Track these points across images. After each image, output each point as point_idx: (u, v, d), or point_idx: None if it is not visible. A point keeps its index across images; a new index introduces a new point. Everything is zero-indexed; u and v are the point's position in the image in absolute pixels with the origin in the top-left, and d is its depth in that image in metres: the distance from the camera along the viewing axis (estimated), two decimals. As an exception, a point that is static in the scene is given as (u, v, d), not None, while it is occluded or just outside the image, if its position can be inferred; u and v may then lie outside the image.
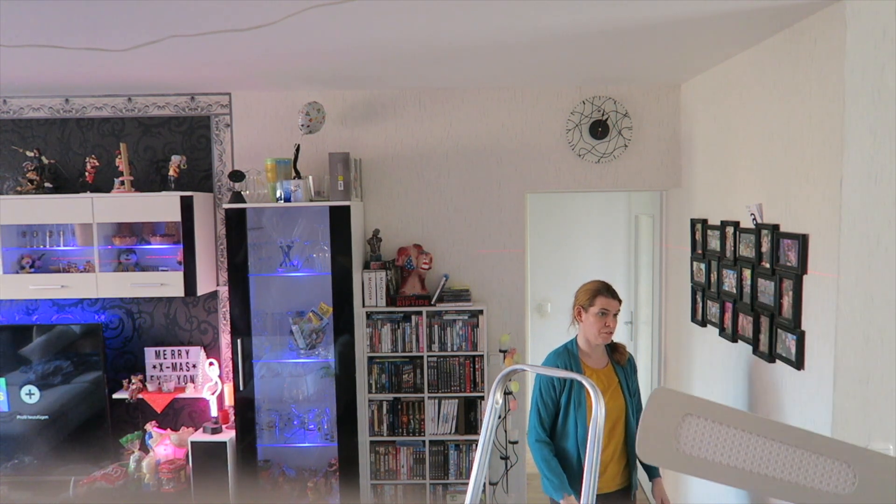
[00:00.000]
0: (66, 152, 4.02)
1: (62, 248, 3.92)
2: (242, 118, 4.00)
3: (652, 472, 2.93)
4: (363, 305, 3.84)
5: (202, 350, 4.05)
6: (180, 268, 3.77)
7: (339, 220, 3.63)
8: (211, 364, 3.97)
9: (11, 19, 2.41)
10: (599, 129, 3.91)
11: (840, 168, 2.22)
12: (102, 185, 3.89)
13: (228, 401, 3.96)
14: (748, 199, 2.97)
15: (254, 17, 2.43)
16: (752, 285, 2.88)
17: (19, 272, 3.85)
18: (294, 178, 3.70)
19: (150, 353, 4.03)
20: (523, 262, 4.10)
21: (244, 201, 3.71)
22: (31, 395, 3.90)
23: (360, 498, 3.81)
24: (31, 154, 3.85)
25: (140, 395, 3.93)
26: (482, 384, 3.85)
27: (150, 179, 4.00)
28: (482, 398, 3.86)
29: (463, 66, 3.34)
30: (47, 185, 3.86)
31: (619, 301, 2.81)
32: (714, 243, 3.36)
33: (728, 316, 3.17)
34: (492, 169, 4.01)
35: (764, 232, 2.77)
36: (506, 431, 3.91)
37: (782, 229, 2.65)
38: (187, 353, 4.03)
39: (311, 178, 3.74)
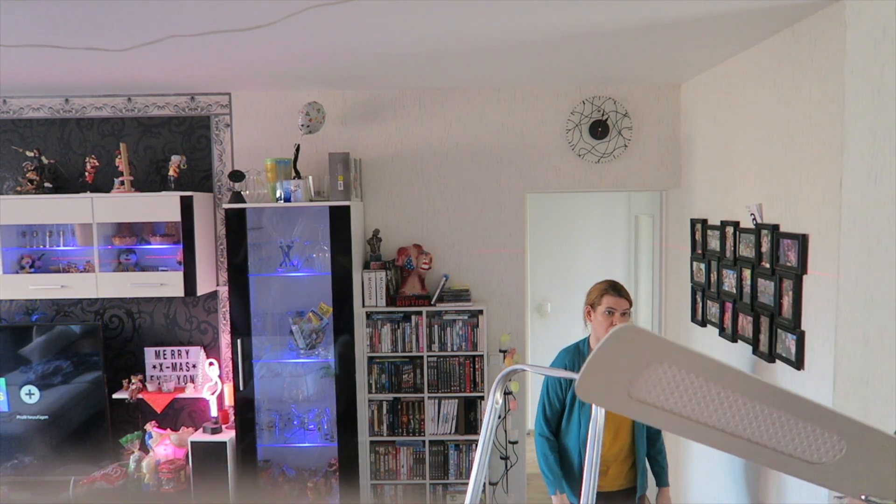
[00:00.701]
0: (66, 152, 4.02)
1: (62, 248, 3.92)
2: (242, 118, 4.00)
3: (660, 481, 2.92)
4: (363, 305, 3.84)
5: (202, 350, 4.05)
6: (180, 268, 3.77)
7: (339, 220, 3.63)
8: (211, 364, 3.97)
9: (11, 19, 2.41)
10: (599, 129, 3.91)
11: (840, 168, 2.22)
12: (102, 185, 3.89)
13: (228, 401, 3.96)
14: (748, 199, 2.97)
15: (254, 17, 2.43)
16: (752, 285, 2.88)
17: (19, 272, 3.85)
18: (294, 178, 3.70)
19: (150, 353, 4.03)
20: (523, 262, 4.10)
21: (244, 201, 3.71)
22: (30, 395, 3.90)
23: (360, 498, 3.81)
24: (31, 154, 3.85)
25: (140, 395, 3.93)
26: (482, 384, 3.85)
27: (150, 179, 4.00)
28: (482, 398, 3.86)
29: (463, 66, 3.34)
30: (47, 185, 3.85)
31: (628, 300, 2.79)
32: (714, 243, 3.36)
33: (728, 316, 3.17)
34: (492, 169, 4.01)
35: (764, 232, 2.77)
36: (506, 431, 3.91)
37: (782, 229, 2.65)
38: (187, 353, 4.03)
39: (311, 178, 3.74)
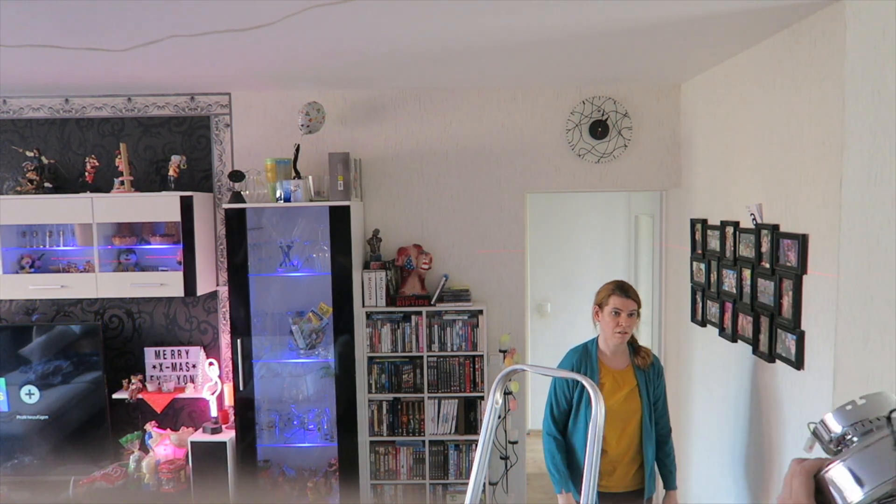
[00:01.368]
0: (66, 152, 4.02)
1: (62, 248, 3.91)
2: (242, 118, 4.00)
3: (668, 483, 2.91)
4: (363, 305, 3.84)
5: (202, 350, 4.05)
6: (180, 268, 3.77)
7: (339, 220, 3.63)
8: (211, 364, 3.97)
9: (11, 19, 2.41)
10: (599, 129, 3.91)
11: (840, 168, 2.22)
12: (102, 185, 3.89)
13: (228, 401, 3.96)
14: (748, 199, 2.97)
15: (254, 17, 2.43)
16: (752, 285, 2.88)
17: (19, 272, 3.85)
18: (294, 178, 3.70)
19: (149, 353, 4.03)
20: (523, 262, 4.10)
21: (244, 201, 3.71)
22: (30, 395, 3.90)
23: (360, 498, 3.81)
24: (31, 154, 3.85)
25: (140, 395, 3.93)
26: (482, 384, 3.85)
27: (149, 179, 4.00)
28: (482, 398, 3.86)
29: (463, 66, 3.34)
30: (47, 185, 3.85)
31: (636, 301, 2.78)
32: (714, 243, 3.36)
33: (728, 316, 3.17)
34: (492, 169, 4.01)
35: (764, 232, 2.77)
36: (506, 431, 3.91)
37: (782, 229, 2.65)
38: (187, 353, 4.03)
39: (310, 178, 3.74)
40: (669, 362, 4.21)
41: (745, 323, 2.96)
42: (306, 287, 3.88)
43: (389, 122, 4.00)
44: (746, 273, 2.94)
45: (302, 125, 3.68)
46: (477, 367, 3.86)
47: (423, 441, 3.90)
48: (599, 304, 2.83)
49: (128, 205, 3.71)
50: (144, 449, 3.95)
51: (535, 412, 5.18)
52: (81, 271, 3.87)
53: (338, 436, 3.72)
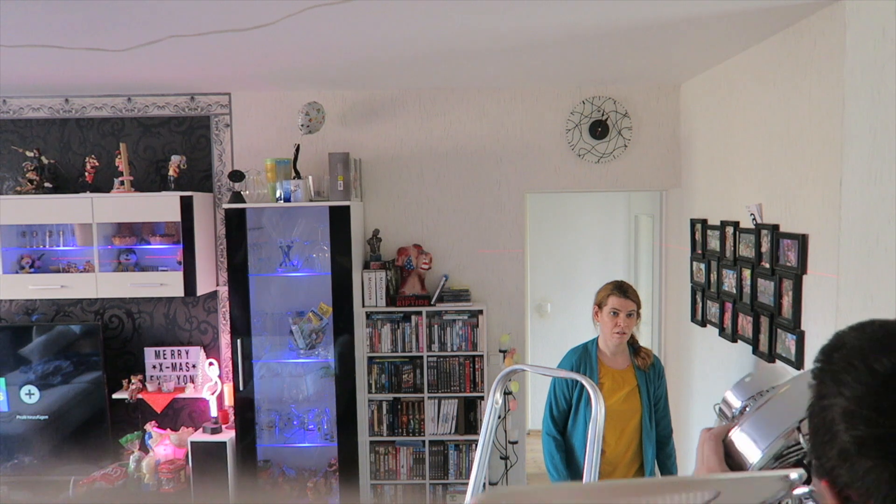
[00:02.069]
0: (66, 152, 4.02)
1: (62, 248, 3.91)
2: (242, 118, 4.00)
3: None
4: (363, 305, 3.84)
5: (202, 350, 4.05)
6: (180, 268, 3.77)
7: (339, 220, 3.63)
8: (211, 364, 3.96)
9: (11, 19, 2.41)
10: (599, 129, 3.91)
11: (840, 168, 2.22)
12: (102, 185, 3.89)
13: (228, 401, 3.96)
14: (748, 199, 2.97)
15: (254, 17, 2.43)
16: (752, 285, 2.88)
17: (19, 272, 3.85)
18: (294, 178, 3.70)
19: (149, 353, 4.02)
20: (523, 262, 4.10)
21: (244, 201, 3.71)
22: (30, 395, 3.90)
23: (360, 498, 3.81)
24: (31, 154, 3.85)
25: (140, 396, 3.93)
26: (482, 384, 3.85)
27: (149, 179, 4.00)
28: (482, 398, 3.86)
29: (463, 66, 3.34)
30: (47, 185, 3.85)
31: (635, 301, 2.78)
32: (714, 243, 3.36)
33: (728, 316, 3.17)
34: (492, 169, 4.01)
35: (763, 232, 2.77)
36: (505, 431, 3.91)
37: (782, 229, 2.65)
38: (187, 353, 4.03)
39: (310, 178, 3.74)
40: (669, 362, 4.21)
41: (745, 323, 2.96)
42: (306, 287, 3.88)
43: (389, 122, 4.00)
44: (746, 273, 2.94)
45: (302, 125, 3.68)
46: (477, 367, 3.86)
47: (423, 441, 3.90)
48: (599, 304, 2.83)
49: (128, 205, 3.71)
50: (144, 449, 3.95)
51: (535, 412, 5.18)
52: (81, 271, 3.86)
53: (338, 436, 3.72)
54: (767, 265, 2.74)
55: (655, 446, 2.86)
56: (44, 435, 3.91)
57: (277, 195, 3.66)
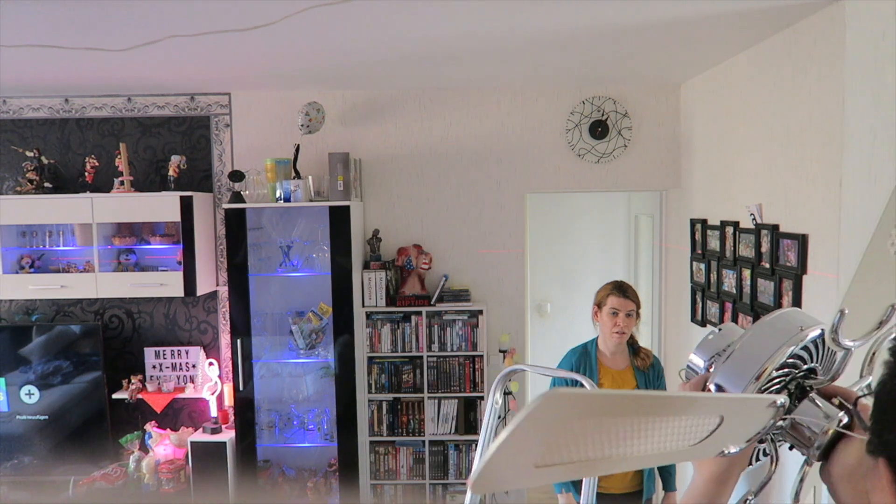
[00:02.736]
0: (66, 152, 4.02)
1: (62, 248, 3.91)
2: (242, 118, 4.00)
3: (667, 485, 2.90)
4: (363, 305, 3.84)
5: (202, 350, 4.05)
6: (180, 268, 3.77)
7: (339, 220, 3.63)
8: (211, 364, 3.96)
9: (11, 19, 2.41)
10: (599, 129, 3.91)
11: (840, 168, 2.22)
12: (102, 185, 3.89)
13: (228, 401, 3.96)
14: (748, 199, 2.97)
15: (254, 17, 2.43)
16: (752, 285, 2.88)
17: (19, 272, 3.85)
18: (294, 178, 3.70)
19: (149, 353, 4.02)
20: (523, 262, 4.10)
21: (244, 201, 3.71)
22: (30, 395, 3.90)
23: (360, 498, 3.81)
24: (31, 154, 3.85)
25: (140, 396, 3.93)
26: (482, 384, 3.85)
27: (149, 179, 4.00)
28: (482, 398, 3.86)
29: (463, 66, 3.34)
30: (47, 185, 3.85)
31: (635, 301, 2.78)
32: (714, 243, 3.36)
33: (728, 316, 3.17)
34: (492, 169, 4.01)
35: (763, 232, 2.77)
36: (506, 431, 3.90)
37: (782, 229, 2.65)
38: (187, 353, 4.03)
39: (310, 178, 3.74)
40: (669, 362, 4.20)
41: (746, 323, 2.96)
42: (306, 287, 3.88)
43: (389, 122, 4.00)
44: (746, 273, 2.94)
45: (302, 125, 3.68)
46: (477, 367, 3.86)
47: (423, 441, 3.90)
48: (598, 304, 2.83)
49: (127, 205, 3.71)
50: (144, 449, 3.95)
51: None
52: (81, 271, 3.86)
53: (338, 436, 3.72)
54: (767, 265, 2.74)
55: None
56: (44, 435, 3.91)
57: (277, 195, 3.66)
